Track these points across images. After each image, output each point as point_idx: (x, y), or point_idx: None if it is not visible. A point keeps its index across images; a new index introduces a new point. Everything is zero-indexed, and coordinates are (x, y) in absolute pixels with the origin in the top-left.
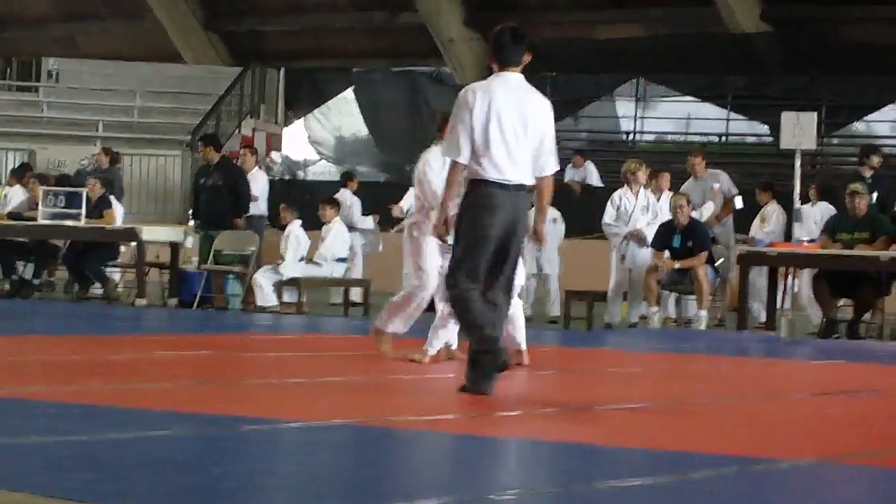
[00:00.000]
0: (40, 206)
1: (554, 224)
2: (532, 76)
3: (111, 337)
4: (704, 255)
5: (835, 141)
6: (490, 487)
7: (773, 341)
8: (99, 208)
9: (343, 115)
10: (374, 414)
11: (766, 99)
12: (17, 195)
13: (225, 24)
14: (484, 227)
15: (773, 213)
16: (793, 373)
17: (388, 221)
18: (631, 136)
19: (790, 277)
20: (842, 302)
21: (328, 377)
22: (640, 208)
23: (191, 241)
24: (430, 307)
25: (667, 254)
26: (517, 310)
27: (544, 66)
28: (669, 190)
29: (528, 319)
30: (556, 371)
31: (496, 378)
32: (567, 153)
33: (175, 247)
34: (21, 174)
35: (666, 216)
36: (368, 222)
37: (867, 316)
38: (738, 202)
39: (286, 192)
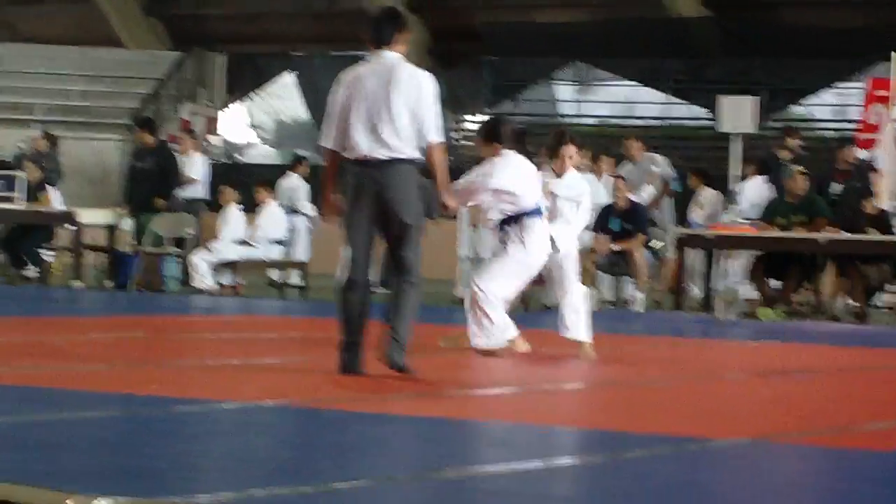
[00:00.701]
0: None
1: None
2: (470, 59)
3: (47, 319)
4: (642, 237)
5: (774, 125)
6: (422, 467)
7: (710, 322)
8: (36, 191)
9: (283, 99)
10: (306, 395)
11: (705, 83)
12: None
13: (166, 8)
14: (350, 210)
15: (708, 197)
16: (728, 353)
17: None
18: (569, 120)
19: (726, 259)
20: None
21: (262, 359)
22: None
23: (128, 224)
24: None
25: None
26: (575, 298)
27: (484, 50)
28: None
29: (462, 301)
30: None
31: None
32: None
33: (112, 229)
34: None
35: (605, 199)
36: (309, 207)
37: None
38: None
39: (226, 175)
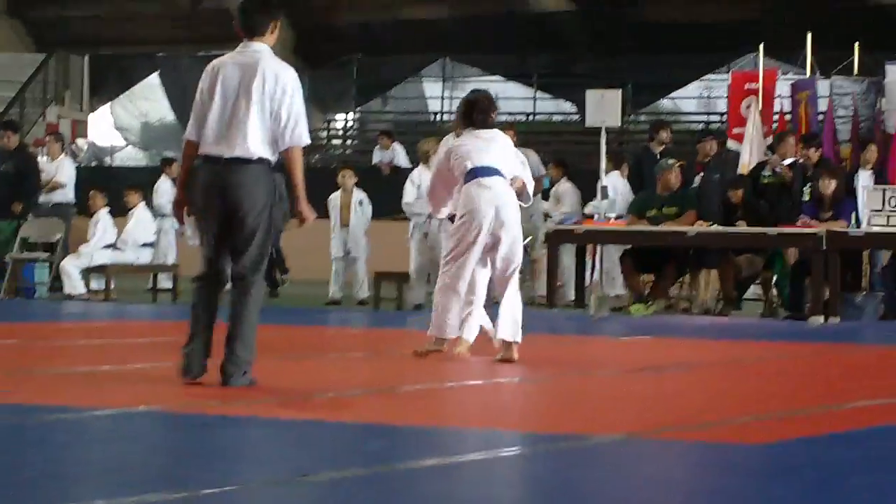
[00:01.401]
0: None
1: (360, 206)
2: (336, 59)
3: None
4: None
5: (641, 118)
6: (296, 471)
7: (582, 318)
8: None
9: (149, 100)
10: (177, 401)
11: (571, 77)
12: None
13: (28, 10)
14: (197, 207)
15: (565, 192)
16: (602, 349)
17: None
18: (439, 117)
19: (597, 255)
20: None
21: (134, 364)
22: None
23: None
24: None
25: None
26: (509, 300)
27: (349, 49)
28: None
29: (336, 303)
30: (364, 353)
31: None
32: (374, 134)
33: None
34: None
35: None
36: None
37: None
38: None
39: (93, 178)
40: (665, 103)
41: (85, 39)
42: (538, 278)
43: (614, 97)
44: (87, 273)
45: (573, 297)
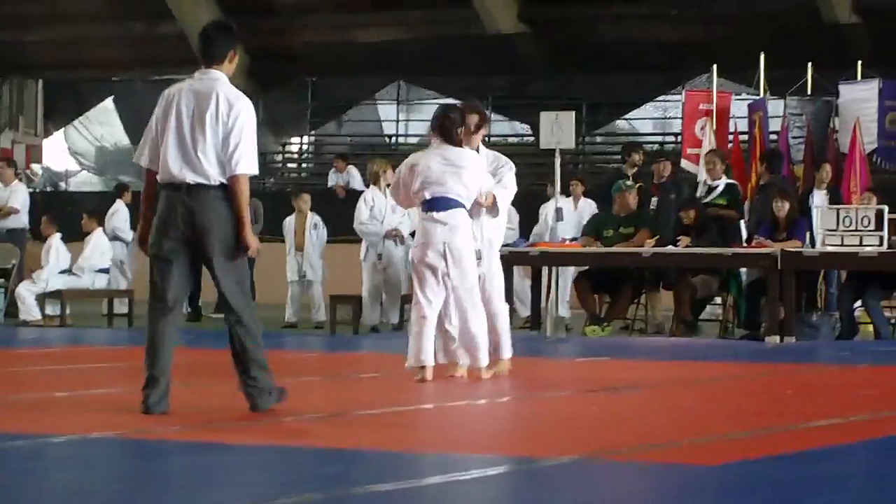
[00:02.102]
0: None
1: (315, 230)
2: (292, 80)
3: None
4: None
5: (597, 139)
6: (252, 496)
7: (537, 339)
8: None
9: (104, 125)
10: (134, 426)
11: (526, 99)
12: None
13: None
14: (158, 235)
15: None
16: (557, 370)
17: None
18: (394, 139)
19: (552, 276)
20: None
21: (90, 390)
22: (391, 207)
23: None
24: None
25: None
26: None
27: (304, 71)
28: None
29: (292, 326)
30: (320, 377)
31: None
32: (330, 157)
33: None
34: None
35: None
36: (130, 234)
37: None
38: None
39: (48, 203)
40: (621, 124)
41: (39, 64)
42: None
43: (568, 119)
44: (43, 298)
45: (528, 318)
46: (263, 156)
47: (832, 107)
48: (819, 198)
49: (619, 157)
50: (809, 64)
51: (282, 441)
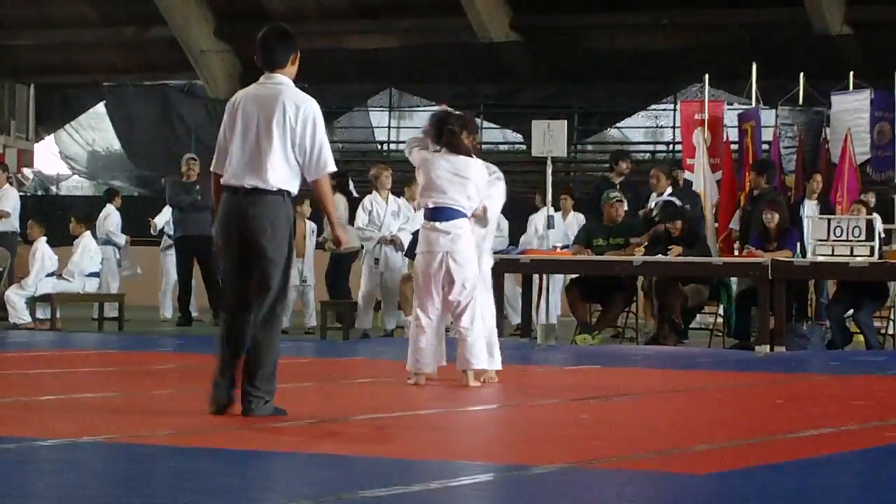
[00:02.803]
0: None
1: (312, 235)
2: None
3: None
4: None
5: (589, 147)
6: (244, 501)
7: (529, 347)
8: None
9: (95, 130)
10: (124, 431)
11: (517, 107)
12: None
13: None
14: (219, 240)
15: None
16: (548, 378)
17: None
18: (386, 146)
19: (544, 284)
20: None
21: (80, 394)
22: (391, 213)
23: None
24: None
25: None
26: (471, 329)
27: (296, 78)
28: None
29: (284, 332)
30: (311, 383)
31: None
32: None
33: None
34: None
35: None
36: (122, 238)
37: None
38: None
39: (39, 207)
40: (612, 133)
41: (31, 68)
42: None
43: (560, 127)
44: (33, 302)
45: (519, 325)
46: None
47: (824, 117)
48: (809, 208)
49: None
50: (801, 74)
51: (272, 447)
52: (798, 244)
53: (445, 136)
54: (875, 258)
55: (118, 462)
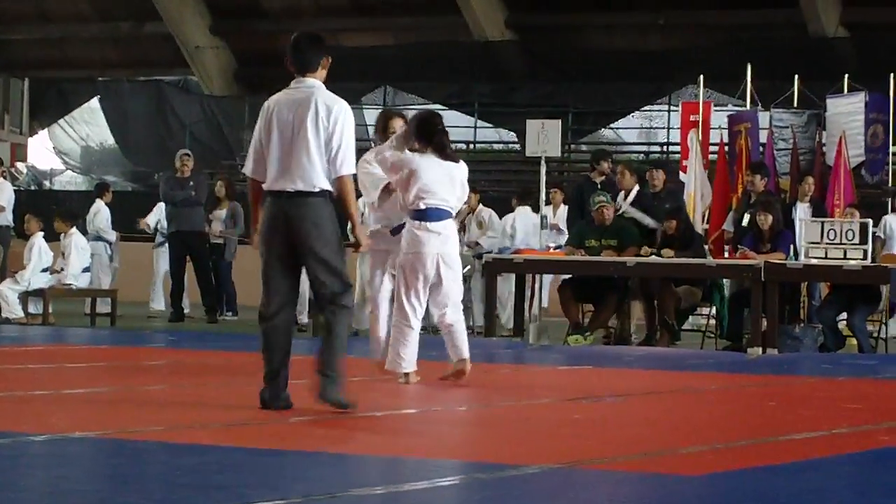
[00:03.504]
0: None
1: None
2: (279, 83)
3: None
4: None
5: (583, 147)
6: (232, 498)
7: (521, 347)
8: None
9: (90, 124)
10: (115, 426)
11: (512, 106)
12: None
13: None
14: (263, 245)
15: (489, 216)
16: (540, 378)
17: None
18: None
19: (537, 284)
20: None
21: (72, 389)
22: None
23: None
24: None
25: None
26: (458, 321)
27: (291, 76)
28: None
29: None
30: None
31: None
32: None
33: None
34: None
35: None
36: (112, 234)
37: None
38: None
39: (32, 202)
40: (606, 133)
41: (25, 62)
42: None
43: (554, 127)
44: (26, 297)
45: (511, 326)
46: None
47: (819, 120)
48: (802, 210)
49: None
50: (796, 76)
51: (263, 444)
52: (791, 246)
53: (437, 136)
54: (868, 262)
55: (110, 457)
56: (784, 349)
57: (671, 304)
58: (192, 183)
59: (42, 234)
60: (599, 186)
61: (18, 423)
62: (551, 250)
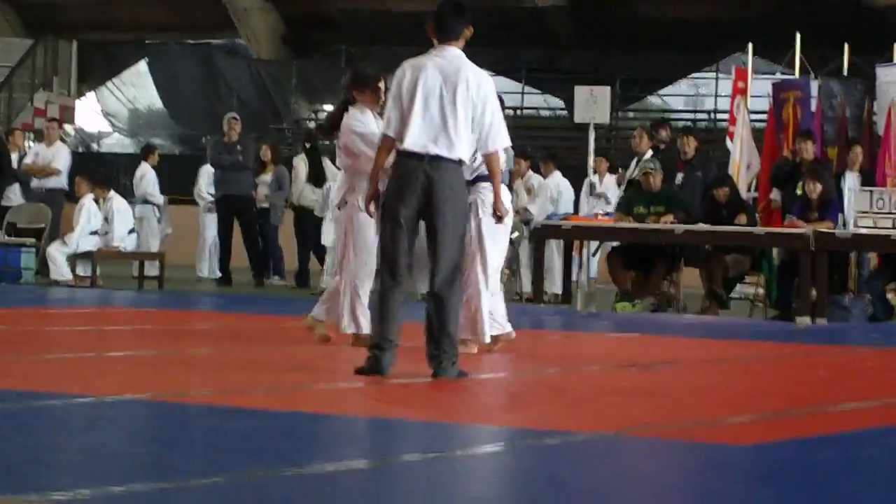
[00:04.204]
0: None
1: None
2: (326, 48)
3: None
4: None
5: (630, 115)
6: (284, 462)
7: (569, 314)
8: None
9: (137, 87)
10: (162, 389)
11: (560, 73)
12: None
13: None
14: (393, 202)
15: (539, 182)
16: (589, 346)
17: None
18: None
19: (584, 251)
20: None
21: (118, 352)
22: None
23: None
24: None
25: None
26: (492, 294)
27: (339, 39)
28: None
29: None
30: (347, 344)
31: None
32: None
33: None
34: None
35: None
36: (160, 197)
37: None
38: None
39: (80, 164)
40: (653, 100)
41: (73, 25)
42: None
43: (603, 94)
44: (74, 259)
45: (560, 292)
46: (297, 122)
47: (868, 89)
48: (850, 180)
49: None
50: (846, 45)
51: (314, 408)
52: (840, 216)
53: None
54: None
55: (157, 420)
56: (833, 319)
57: (719, 273)
58: (239, 147)
59: (92, 196)
60: (656, 155)
61: (64, 384)
62: (599, 217)
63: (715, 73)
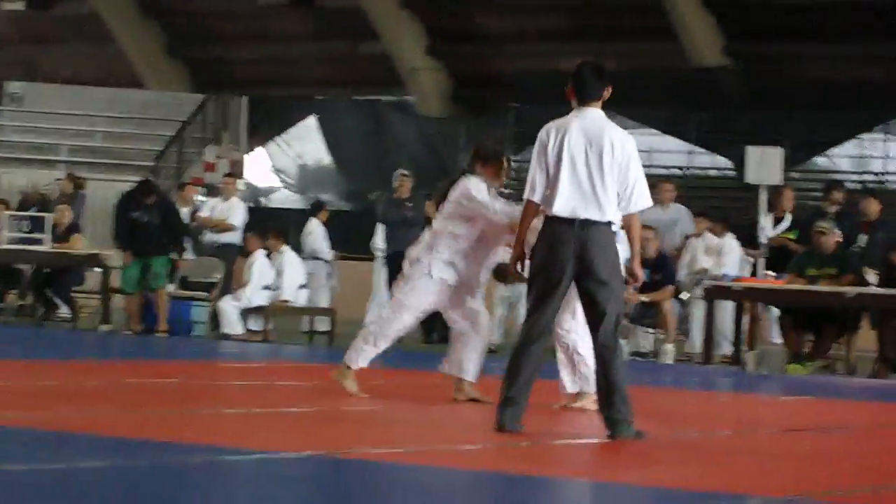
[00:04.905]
0: (4, 231)
1: None
2: (494, 106)
3: (79, 363)
4: (671, 288)
5: (795, 175)
6: None
7: (739, 375)
8: (67, 234)
9: (306, 142)
10: (331, 445)
11: (729, 133)
12: None
13: (188, 50)
14: (544, 266)
15: (725, 246)
16: (760, 408)
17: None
18: None
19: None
20: None
21: (291, 407)
22: None
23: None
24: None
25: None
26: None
27: (509, 97)
28: None
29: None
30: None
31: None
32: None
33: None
34: None
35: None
36: (329, 253)
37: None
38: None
39: (250, 219)
40: (820, 160)
41: (243, 81)
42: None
43: (775, 154)
44: (246, 313)
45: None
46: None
47: None
48: None
49: (817, 193)
50: None
51: (488, 466)
52: None
53: None
54: None
55: (327, 476)
56: None
57: (892, 337)
58: (409, 203)
59: (263, 251)
60: (832, 217)
61: (237, 439)
62: (771, 279)
63: (883, 134)
